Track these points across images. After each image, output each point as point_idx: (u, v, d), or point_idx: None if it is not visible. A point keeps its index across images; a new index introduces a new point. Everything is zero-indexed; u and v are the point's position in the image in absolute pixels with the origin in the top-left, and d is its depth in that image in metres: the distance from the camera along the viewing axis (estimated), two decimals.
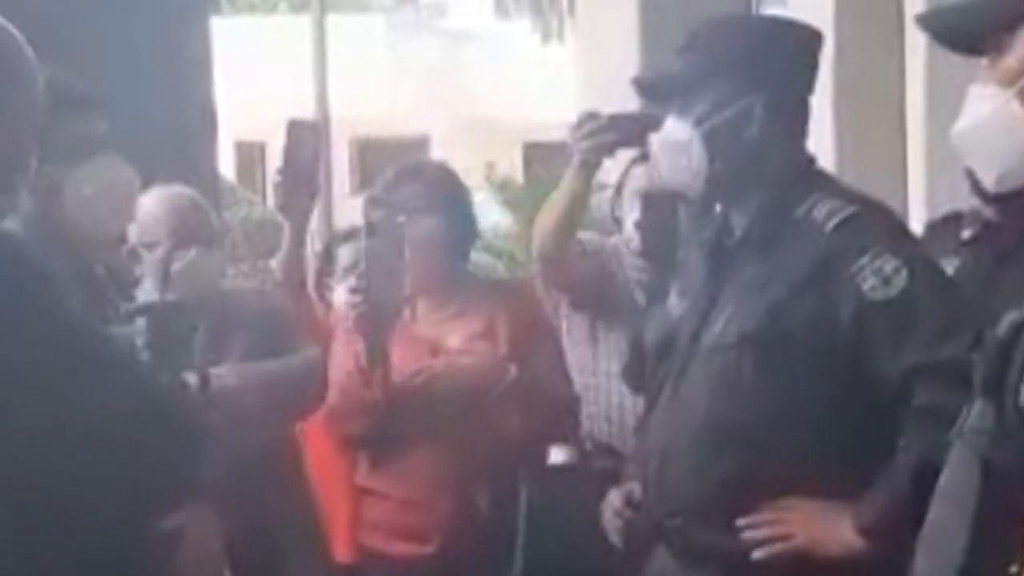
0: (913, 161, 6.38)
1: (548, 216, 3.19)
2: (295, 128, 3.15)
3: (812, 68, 2.47)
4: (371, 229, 2.90)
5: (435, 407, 2.93)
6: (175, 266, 3.06)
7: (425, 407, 2.93)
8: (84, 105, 2.49)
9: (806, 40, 2.48)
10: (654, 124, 2.99)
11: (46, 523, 1.55)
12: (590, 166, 3.05)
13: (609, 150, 3.06)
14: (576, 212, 3.11)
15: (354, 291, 2.88)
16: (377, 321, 2.86)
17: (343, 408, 2.93)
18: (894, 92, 6.56)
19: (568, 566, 3.09)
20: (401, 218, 2.94)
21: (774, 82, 2.40)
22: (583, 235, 3.31)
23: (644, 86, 2.54)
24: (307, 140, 3.16)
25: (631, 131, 3.01)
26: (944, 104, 1.66)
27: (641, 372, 2.63)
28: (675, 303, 2.50)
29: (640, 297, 3.31)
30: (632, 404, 3.24)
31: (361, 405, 2.91)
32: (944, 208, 3.48)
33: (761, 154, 2.40)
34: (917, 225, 3.61)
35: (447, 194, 3.09)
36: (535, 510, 3.10)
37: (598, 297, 3.33)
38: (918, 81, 6.25)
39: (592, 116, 3.05)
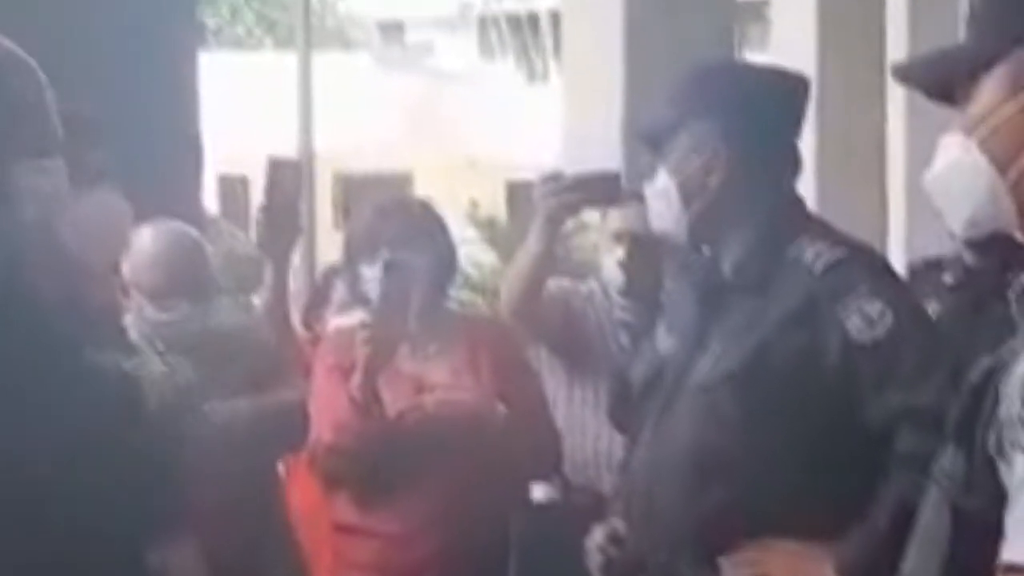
0: (894, 206, 6.43)
1: (514, 272, 3.21)
2: (276, 167, 3.14)
3: (796, 113, 2.50)
4: (389, 265, 2.90)
5: (427, 444, 2.92)
6: (160, 316, 3.05)
7: (417, 444, 2.92)
8: (97, 137, 2.51)
9: (788, 86, 2.51)
10: (618, 185, 3.03)
11: (28, 549, 1.55)
12: (555, 222, 3.06)
13: (573, 210, 3.08)
14: (541, 266, 3.11)
15: (364, 326, 2.87)
16: (384, 356, 2.87)
17: (339, 445, 2.90)
18: (875, 138, 6.62)
19: None
20: (416, 256, 2.95)
21: (751, 128, 2.43)
22: (553, 283, 3.32)
23: (640, 135, 2.58)
24: (288, 178, 3.14)
25: (597, 191, 3.03)
26: (924, 151, 1.69)
27: (626, 411, 2.64)
28: (663, 341, 2.52)
29: (623, 337, 3.33)
30: (607, 446, 3.25)
31: (359, 441, 2.89)
32: (923, 252, 3.52)
33: (737, 198, 2.43)
34: (898, 266, 3.65)
35: (429, 230, 3.09)
36: (522, 547, 3.10)
37: (571, 340, 3.35)
38: (899, 128, 6.31)
39: (556, 175, 3.07)
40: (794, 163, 2.50)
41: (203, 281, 3.14)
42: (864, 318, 2.31)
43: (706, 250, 2.50)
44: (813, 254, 2.37)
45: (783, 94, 2.49)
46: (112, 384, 1.71)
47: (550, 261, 3.15)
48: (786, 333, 2.34)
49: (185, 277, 3.09)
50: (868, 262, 2.40)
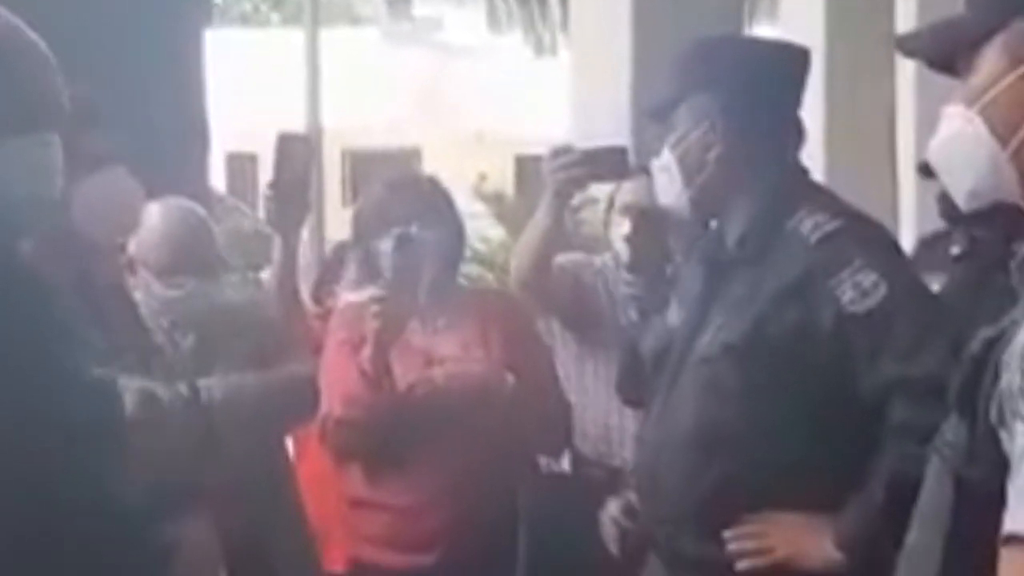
0: (904, 180, 6.41)
1: (524, 245, 3.22)
2: (286, 142, 3.12)
3: (796, 85, 2.50)
4: (401, 239, 2.92)
5: (436, 417, 2.94)
6: (169, 292, 3.06)
7: (426, 417, 2.94)
8: (93, 119, 2.52)
9: (787, 58, 2.52)
10: (625, 160, 3.04)
11: (35, 525, 1.57)
12: (563, 196, 3.07)
13: (581, 184, 3.08)
14: (551, 240, 3.12)
15: (376, 299, 2.89)
16: (395, 330, 2.89)
17: (349, 418, 2.92)
18: (885, 112, 6.59)
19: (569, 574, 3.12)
20: (426, 231, 2.96)
21: (749, 101, 2.43)
22: (563, 257, 3.33)
23: (646, 111, 2.60)
24: (298, 154, 3.13)
25: (604, 165, 3.02)
26: (934, 124, 1.69)
27: (634, 385, 2.66)
28: (674, 314, 2.53)
29: (632, 312, 3.34)
30: (619, 420, 3.26)
31: (369, 414, 2.90)
32: (934, 226, 3.52)
33: (737, 171, 2.44)
34: (908, 243, 3.64)
35: (437, 206, 3.11)
36: (534, 519, 3.12)
37: (581, 314, 3.35)
38: (909, 101, 6.28)
39: (565, 149, 3.07)
40: (797, 135, 2.50)
41: (210, 258, 3.14)
42: (857, 289, 2.32)
43: (712, 224, 2.51)
44: (811, 225, 2.37)
45: (782, 66, 2.49)
46: (108, 382, 1.72)
47: (559, 235, 3.16)
48: (782, 305, 2.35)
49: (192, 255, 3.09)
50: (864, 233, 2.40)
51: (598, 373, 3.33)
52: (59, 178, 1.71)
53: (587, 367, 3.36)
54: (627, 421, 3.18)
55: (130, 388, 2.41)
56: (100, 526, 1.59)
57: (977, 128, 1.55)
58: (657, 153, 2.52)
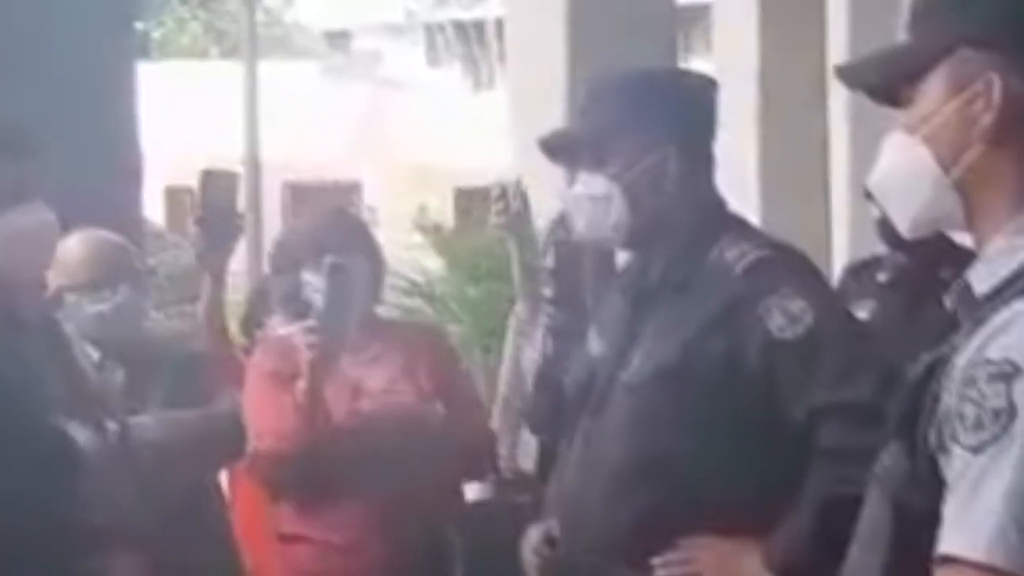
0: (837, 210, 6.47)
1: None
2: (211, 177, 3.15)
3: (714, 115, 2.53)
4: (335, 269, 2.90)
5: (368, 449, 2.92)
6: (98, 307, 3.05)
7: (359, 449, 2.92)
8: (18, 151, 2.48)
9: (705, 88, 2.55)
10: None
11: None
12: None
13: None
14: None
15: (310, 330, 2.88)
16: (330, 360, 2.87)
17: (282, 452, 2.89)
18: (818, 142, 6.66)
19: None
20: (356, 262, 2.96)
21: (683, 131, 2.46)
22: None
23: (551, 147, 2.56)
24: (223, 189, 3.16)
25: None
26: (868, 156, 1.69)
27: (551, 420, 2.66)
28: (594, 344, 2.53)
29: (549, 344, 3.35)
30: None
31: (303, 448, 2.88)
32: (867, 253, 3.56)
33: (678, 201, 2.45)
34: (840, 272, 3.67)
35: (365, 237, 3.13)
36: (471, 550, 3.11)
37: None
38: (842, 131, 6.35)
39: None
40: (713, 164, 2.53)
41: (134, 268, 3.14)
42: (785, 316, 2.33)
43: (634, 255, 2.51)
44: (736, 254, 2.39)
45: (711, 97, 2.52)
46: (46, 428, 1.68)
47: None
48: (709, 333, 2.36)
49: (116, 266, 3.09)
50: (790, 262, 2.42)
51: None
52: None
53: None
54: None
55: (61, 428, 2.37)
56: (35, 559, 1.56)
57: (920, 155, 1.55)
58: (571, 185, 2.51)
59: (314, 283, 2.97)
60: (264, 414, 2.94)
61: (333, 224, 3.13)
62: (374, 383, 3.00)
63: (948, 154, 1.54)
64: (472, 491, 3.39)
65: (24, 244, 2.52)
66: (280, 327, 3.14)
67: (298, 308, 3.04)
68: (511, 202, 3.61)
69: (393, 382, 3.00)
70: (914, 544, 1.50)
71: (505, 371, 3.82)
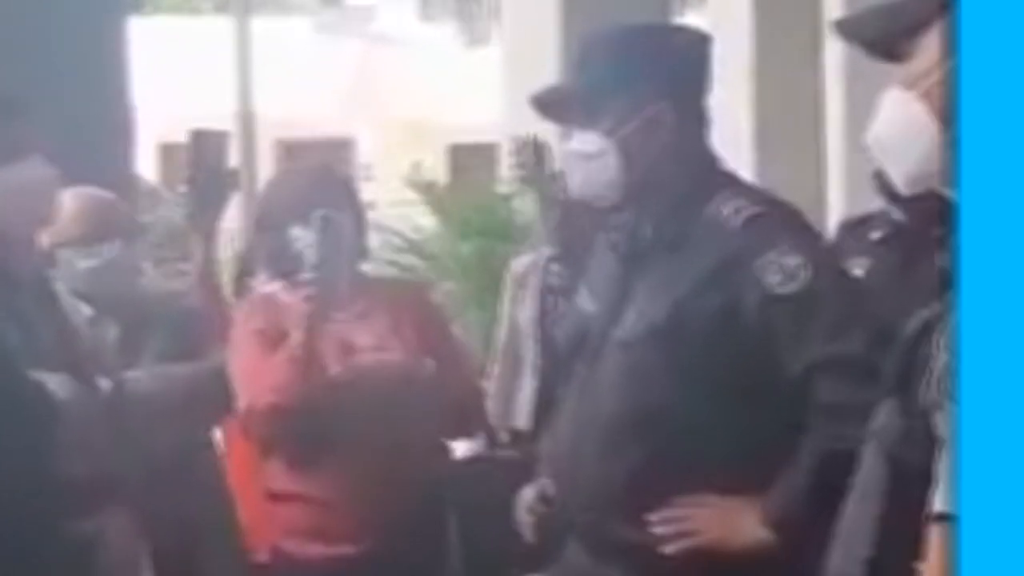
0: (832, 167, 6.45)
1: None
2: (199, 137, 3.14)
3: (707, 70, 2.52)
4: (326, 222, 2.90)
5: (362, 404, 2.93)
6: (90, 263, 3.05)
7: (353, 404, 2.92)
8: (11, 110, 2.48)
9: (699, 43, 2.53)
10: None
11: None
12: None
13: None
14: None
15: (306, 283, 2.88)
16: (325, 313, 2.87)
17: (280, 405, 2.89)
18: (813, 100, 6.63)
19: (495, 559, 3.12)
20: (348, 213, 2.96)
21: (677, 86, 2.44)
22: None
23: (544, 104, 2.53)
24: (212, 148, 3.15)
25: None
26: (863, 112, 1.69)
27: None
28: (586, 302, 2.52)
29: (548, 301, 3.36)
30: None
31: (300, 401, 2.88)
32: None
33: (672, 158, 2.43)
34: (834, 229, 3.66)
35: (347, 192, 3.13)
36: (463, 507, 3.11)
37: None
38: (837, 89, 6.32)
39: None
40: (708, 120, 2.51)
41: (127, 223, 3.14)
42: (783, 271, 2.32)
43: (628, 211, 2.49)
44: (732, 209, 2.38)
45: (698, 51, 2.50)
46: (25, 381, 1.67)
47: None
48: (705, 289, 2.36)
49: (108, 222, 3.09)
50: (787, 217, 2.42)
51: None
52: None
53: None
54: None
55: (53, 384, 2.36)
56: (22, 517, 1.56)
57: (918, 111, 1.54)
58: (567, 141, 2.50)
59: (304, 238, 2.96)
60: (256, 371, 2.94)
61: (320, 180, 3.12)
62: (364, 339, 3.00)
63: (946, 110, 1.53)
64: (463, 448, 3.39)
65: (18, 200, 2.51)
66: (265, 285, 3.14)
67: (284, 266, 3.03)
68: (528, 157, 3.61)
69: (382, 339, 3.00)
70: (908, 500, 1.51)
71: (501, 328, 3.81)
